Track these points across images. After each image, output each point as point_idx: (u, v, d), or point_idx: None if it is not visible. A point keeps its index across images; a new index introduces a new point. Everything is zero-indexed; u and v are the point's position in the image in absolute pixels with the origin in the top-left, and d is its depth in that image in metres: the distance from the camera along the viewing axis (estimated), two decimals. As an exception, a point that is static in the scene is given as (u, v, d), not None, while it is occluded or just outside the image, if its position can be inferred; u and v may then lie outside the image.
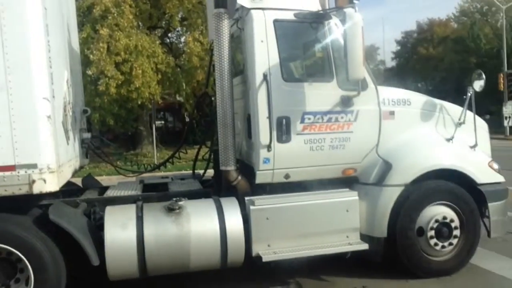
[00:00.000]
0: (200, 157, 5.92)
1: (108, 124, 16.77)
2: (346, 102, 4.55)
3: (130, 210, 4.19)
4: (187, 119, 23.68)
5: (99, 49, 13.87)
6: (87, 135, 5.51)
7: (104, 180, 9.37)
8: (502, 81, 28.16)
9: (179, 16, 16.43)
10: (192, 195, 4.67)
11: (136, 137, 21.09)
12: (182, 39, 18.89)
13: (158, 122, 24.77)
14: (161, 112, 28.12)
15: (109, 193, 4.91)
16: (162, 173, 7.65)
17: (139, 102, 15.94)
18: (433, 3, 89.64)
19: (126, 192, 4.89)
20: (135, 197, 4.70)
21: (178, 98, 19.83)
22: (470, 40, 41.89)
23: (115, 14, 14.27)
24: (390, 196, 4.57)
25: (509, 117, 27.68)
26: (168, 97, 20.03)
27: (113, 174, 10.21)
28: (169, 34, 19.36)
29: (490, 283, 4.64)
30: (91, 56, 13.89)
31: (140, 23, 16.26)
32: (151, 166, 6.78)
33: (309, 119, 4.49)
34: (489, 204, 4.81)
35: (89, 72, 14.03)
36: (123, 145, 21.18)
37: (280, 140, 4.42)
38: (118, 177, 7.70)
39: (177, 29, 18.10)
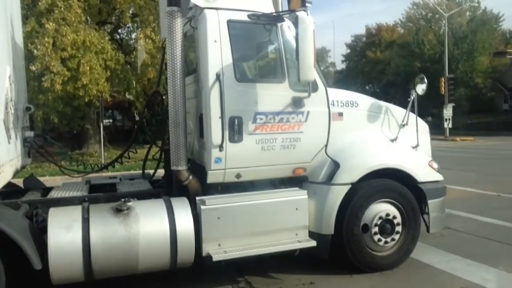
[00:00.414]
0: (150, 156, 5.83)
1: (52, 122, 16.03)
2: (297, 103, 4.64)
3: (75, 212, 4.05)
4: (137, 118, 23.15)
5: (44, 44, 13.22)
6: (30, 133, 5.25)
7: (47, 180, 8.99)
8: (443, 85, 29.79)
9: (130, 12, 16.00)
10: (142, 196, 4.60)
11: (82, 136, 20.32)
12: (133, 36, 18.45)
13: (106, 121, 24.03)
14: (110, 110, 27.30)
15: (53, 194, 4.72)
16: (110, 173, 7.45)
17: (86, 100, 15.36)
18: (381, 9, 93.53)
19: (71, 193, 4.72)
20: (81, 198, 4.55)
21: (127, 96, 19.30)
22: (415, 46, 44.02)
23: (62, 8, 13.64)
24: (337, 194, 4.72)
25: (449, 119, 29.34)
26: (117, 95, 19.46)
27: (57, 174, 9.81)
28: (119, 30, 18.83)
29: (429, 276, 4.90)
30: (35, 51, 13.21)
31: (88, 18, 15.66)
32: (98, 166, 6.58)
33: (261, 119, 4.55)
34: (429, 201, 5.09)
35: (33, 68, 13.31)
36: (68, 144, 20.34)
37: (232, 140, 4.44)
38: (62, 178, 7.41)
39: (127, 25, 17.63)
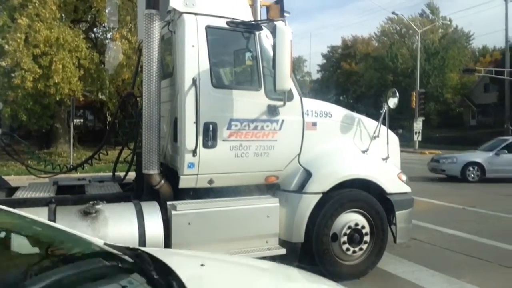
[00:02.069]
0: (121, 159, 5.74)
1: (20, 120, 15.56)
2: (272, 111, 4.67)
3: (41, 214, 3.93)
4: (109, 119, 22.73)
5: (16, 39, 12.85)
6: (-4, 130, 5.09)
7: (12, 180, 8.69)
8: (414, 99, 30.59)
9: (107, 11, 15.75)
10: (111, 199, 4.51)
11: (51, 135, 19.78)
12: (109, 35, 18.17)
13: (76, 120, 23.46)
14: (81, 110, 26.70)
15: (19, 195, 4.58)
16: (79, 175, 7.28)
17: (57, 98, 14.99)
18: (357, 22, 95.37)
19: (38, 194, 4.59)
20: (48, 199, 4.42)
21: (100, 96, 18.94)
22: (388, 59, 45.11)
23: (36, 4, 13.31)
24: (308, 203, 4.77)
25: (419, 132, 30.13)
26: (90, 95, 19.07)
27: (24, 173, 9.52)
28: (95, 29, 18.51)
29: (394, 285, 4.99)
30: (6, 46, 12.83)
31: (63, 15, 15.31)
32: (67, 166, 6.44)
33: (236, 126, 4.56)
34: (397, 212, 5.20)
35: (3, 63, 12.93)
36: (36, 143, 19.76)
37: (206, 145, 4.42)
38: (28, 177, 7.18)
39: (103, 25, 17.35)
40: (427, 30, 41.48)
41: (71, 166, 6.63)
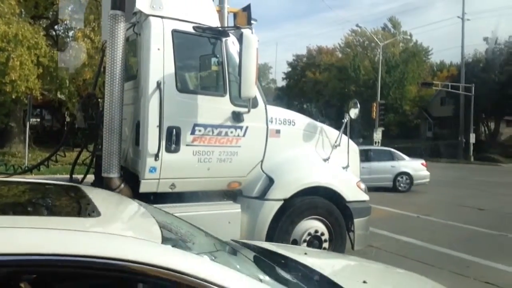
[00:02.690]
0: (80, 161, 5.58)
1: (-28, 117, 14.84)
2: (236, 117, 4.68)
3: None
4: (68, 119, 22.02)
5: (-30, 33, 12.28)
6: None
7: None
8: (375, 109, 31.50)
9: (69, 8, 15.30)
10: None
11: (6, 134, 18.94)
12: (71, 34, 17.65)
13: (33, 120, 22.63)
14: (38, 109, 25.74)
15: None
16: (34, 176, 7.01)
17: (14, 96, 14.37)
18: (322, 32, 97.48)
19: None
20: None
21: (59, 95, 18.33)
22: (351, 70, 46.33)
23: (-5, -2, 12.78)
24: (270, 209, 4.81)
25: (378, 142, 30.99)
26: (48, 94, 18.42)
27: (-25, 174, 9.05)
28: (56, 26, 17.93)
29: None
30: (-40, 41, 12.22)
31: (23, 11, 14.74)
32: (22, 168, 6.18)
33: (200, 131, 4.54)
34: (355, 220, 5.33)
35: (-45, 58, 12.29)
36: (-12, 142, 18.88)
37: (168, 150, 4.38)
38: (-20, 178, 6.84)
39: (65, 22, 16.84)
40: (389, 44, 43.00)
41: (26, 167, 6.36)
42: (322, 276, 2.46)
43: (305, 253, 3.20)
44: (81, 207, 2.54)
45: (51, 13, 16.38)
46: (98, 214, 2.15)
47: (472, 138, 33.24)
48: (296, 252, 3.14)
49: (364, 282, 2.48)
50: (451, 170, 19.86)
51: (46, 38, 15.19)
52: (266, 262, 2.57)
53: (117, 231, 1.99)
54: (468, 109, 33.30)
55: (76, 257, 1.56)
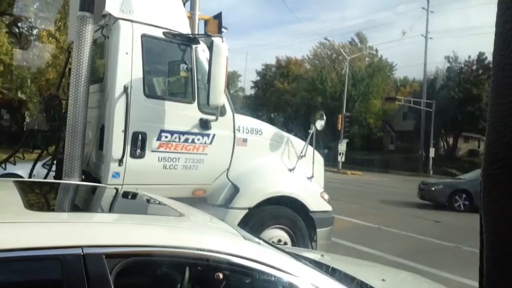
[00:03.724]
0: (39, 164, 5.40)
1: None
2: (204, 125, 4.69)
3: None
4: (28, 120, 21.22)
5: None
6: None
7: None
8: (340, 121, 32.23)
9: (35, 6, 14.86)
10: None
11: (-40, 132, 18.06)
12: (35, 32, 17.10)
13: (-9, 119, 21.70)
14: (-3, 107, 24.74)
15: None
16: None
17: (-30, 93, 13.79)
18: (292, 44, 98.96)
19: None
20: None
21: (19, 95, 17.68)
22: (318, 82, 47.20)
23: (-47, -11, 12.23)
24: (234, 218, 4.80)
25: (342, 153, 31.68)
26: (8, 92, 17.74)
27: None
28: (20, 24, 17.34)
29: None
30: None
31: (-16, 5, 14.21)
32: (-24, 169, 5.90)
33: (166, 137, 4.50)
34: (318, 230, 5.41)
35: None
36: None
37: (133, 155, 4.32)
38: None
39: (30, 20, 16.32)
40: (355, 58, 44.18)
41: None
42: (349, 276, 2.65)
43: (322, 255, 3.42)
44: (162, 207, 2.77)
45: (15, 9, 15.82)
46: (181, 214, 2.38)
47: (432, 152, 34.49)
48: (312, 254, 3.40)
49: (383, 280, 2.79)
50: (411, 183, 20.49)
51: (9, 36, 14.65)
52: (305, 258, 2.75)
53: (208, 228, 2.39)
54: (428, 124, 34.57)
55: (179, 248, 1.80)
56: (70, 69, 4.49)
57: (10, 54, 14.25)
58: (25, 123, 23.65)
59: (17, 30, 17.46)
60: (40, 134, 6.08)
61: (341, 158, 31.69)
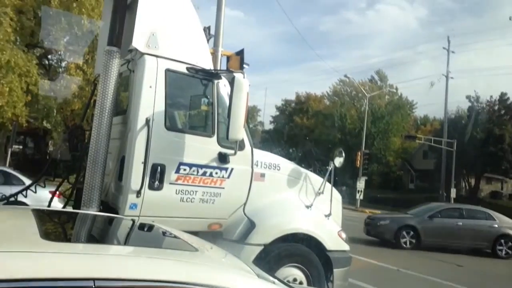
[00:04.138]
0: (60, 192, 5.48)
1: (-47, 141, 14.56)
2: (222, 158, 4.69)
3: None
4: (51, 149, 21.71)
5: (-38, 58, 12.29)
6: None
7: None
8: (359, 158, 31.90)
9: (65, 40, 15.51)
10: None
11: (-15, 159, 18.54)
12: (63, 64, 17.77)
13: (15, 147, 22.29)
14: (22, 136, 25.41)
15: None
16: (10, 206, 6.81)
17: (-2, 122, 14.25)
18: (312, 80, 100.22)
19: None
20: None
21: (45, 124, 18.20)
22: (338, 118, 47.16)
23: (-9, 24, 12.88)
24: (249, 254, 4.72)
25: (361, 191, 31.18)
26: (34, 121, 18.28)
27: None
28: (50, 56, 18.07)
29: None
30: (-50, 64, 12.18)
31: (18, 38, 14.87)
32: (-2, 195, 6.01)
33: (185, 170, 4.53)
34: (335, 270, 5.27)
35: None
36: (-34, 165, 18.40)
37: (151, 187, 4.35)
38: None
39: (59, 52, 17.00)
40: (375, 95, 44.18)
41: (3, 196, 6.19)
42: None
43: None
44: (177, 241, 2.77)
45: (46, 42, 16.55)
46: (196, 249, 2.40)
47: (453, 193, 33.64)
48: None
49: None
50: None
51: (39, 67, 15.26)
52: None
53: (222, 265, 2.40)
54: (449, 164, 33.93)
55: (191, 285, 1.81)
56: (95, 100, 4.62)
57: (39, 85, 14.79)
58: (48, 151, 24.22)
59: (46, 62, 18.18)
60: (62, 163, 6.19)
61: (359, 196, 31.17)
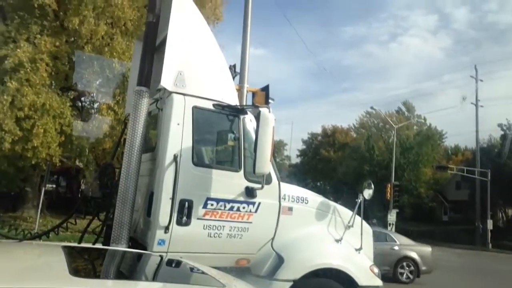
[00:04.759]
0: (90, 229, 5.56)
1: (-10, 181, 15.13)
2: (249, 193, 4.70)
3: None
4: (83, 187, 22.22)
5: (1, 101, 12.93)
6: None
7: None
8: (389, 190, 31.14)
9: (97, 82, 16.19)
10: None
11: (20, 198, 19.13)
12: (96, 105, 18.45)
13: (49, 185, 22.92)
14: (55, 175, 26.16)
15: None
16: (42, 243, 6.95)
17: (33, 162, 14.75)
18: (338, 113, 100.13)
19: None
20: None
21: (77, 163, 18.73)
22: (365, 150, 46.59)
23: (28, 69, 13.59)
24: (278, 291, 4.64)
25: (392, 224, 30.21)
26: (67, 161, 18.85)
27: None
28: (83, 98, 18.83)
29: None
30: (-10, 107, 12.85)
31: (53, 82, 15.62)
32: (31, 233, 6.16)
33: (212, 205, 4.55)
34: (367, 306, 5.08)
35: (-17, 123, 12.84)
36: (2, 205, 19.00)
37: (179, 222, 4.37)
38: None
39: (92, 94, 17.71)
40: (403, 126, 43.60)
41: (36, 233, 6.34)
42: None
43: None
44: (205, 277, 2.78)
45: (79, 85, 17.33)
46: (224, 285, 2.42)
47: (490, 224, 32.25)
48: None
49: None
50: (471, 257, 18.91)
51: (72, 109, 15.89)
52: None
53: None
54: (484, 194, 32.68)
55: None
56: (125, 139, 4.75)
57: (72, 125, 15.35)
58: (80, 190, 24.80)
59: (80, 104, 18.93)
60: (93, 201, 6.32)
61: (391, 229, 30.19)
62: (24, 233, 6.05)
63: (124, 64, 14.40)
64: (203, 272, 2.80)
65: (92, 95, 17.64)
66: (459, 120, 75.83)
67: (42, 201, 15.69)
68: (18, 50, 13.44)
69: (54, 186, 28.31)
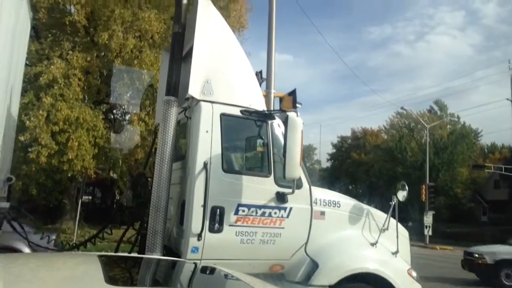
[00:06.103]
0: (125, 239, 5.66)
1: (30, 194, 15.68)
2: (280, 198, 4.68)
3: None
4: (118, 197, 22.71)
5: (37, 116, 13.45)
6: (5, 204, 5.16)
7: (14, 254, 8.49)
8: (424, 192, 30.35)
9: (128, 95, 16.60)
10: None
11: (58, 210, 19.74)
12: (127, 117, 18.90)
13: (85, 197, 23.58)
14: (91, 186, 26.91)
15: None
16: (80, 253, 7.13)
17: (69, 174, 15.23)
18: (367, 115, 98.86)
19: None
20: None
21: (112, 174, 19.18)
22: (397, 152, 45.61)
23: (62, 85, 14.11)
24: (315, 296, 4.57)
25: (429, 226, 29.39)
26: (101, 172, 19.35)
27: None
28: (114, 111, 19.34)
29: None
30: (27, 122, 13.37)
31: (86, 96, 16.13)
32: (69, 244, 6.34)
33: (243, 211, 4.54)
34: (407, 312, 4.93)
35: (22, 138, 13.36)
36: (41, 217, 19.65)
37: (212, 230, 4.39)
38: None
39: (123, 107, 18.16)
40: (436, 126, 42.43)
41: (74, 244, 6.53)
42: None
43: None
44: (239, 284, 2.78)
45: (111, 98, 17.82)
46: None
47: (534, 224, 30.81)
48: None
49: None
50: None
51: (104, 121, 16.33)
52: None
53: None
54: (526, 193, 31.35)
55: None
56: (156, 148, 4.83)
57: (105, 138, 15.77)
58: (115, 200, 25.38)
59: (112, 116, 19.45)
60: (128, 211, 6.43)
61: (428, 232, 29.38)
62: (62, 244, 6.24)
63: (153, 75, 14.70)
64: (237, 279, 2.79)
65: (123, 107, 18.07)
66: (495, 117, 73.25)
67: (79, 212, 16.17)
68: (52, 66, 13.97)
69: (90, 197, 29.06)
